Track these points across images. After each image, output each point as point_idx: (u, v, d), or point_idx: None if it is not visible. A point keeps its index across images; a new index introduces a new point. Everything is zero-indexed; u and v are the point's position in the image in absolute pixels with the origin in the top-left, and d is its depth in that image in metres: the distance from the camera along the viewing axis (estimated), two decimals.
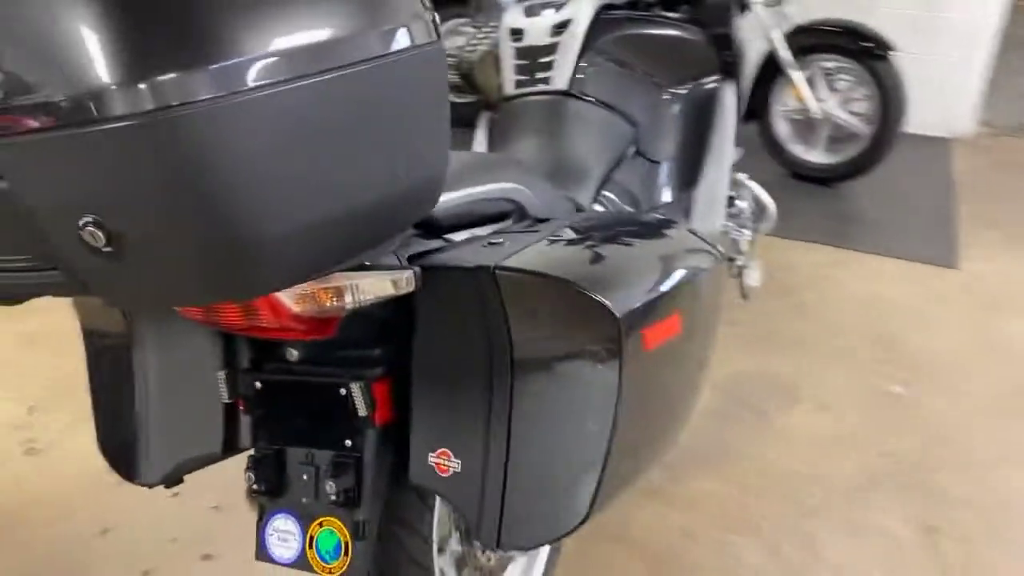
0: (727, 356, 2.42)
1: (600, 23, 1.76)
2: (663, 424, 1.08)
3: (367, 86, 0.79)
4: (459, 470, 0.99)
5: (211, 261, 0.73)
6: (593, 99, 1.73)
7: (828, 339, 2.52)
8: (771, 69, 3.41)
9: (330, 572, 1.08)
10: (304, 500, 1.08)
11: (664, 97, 1.84)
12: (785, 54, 3.30)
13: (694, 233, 1.18)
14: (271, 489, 1.10)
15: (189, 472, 1.21)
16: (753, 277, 2.08)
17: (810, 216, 3.29)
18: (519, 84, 1.75)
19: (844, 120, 3.42)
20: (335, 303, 0.96)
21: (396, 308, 1.01)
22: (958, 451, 2.07)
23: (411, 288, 0.94)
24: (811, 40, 3.37)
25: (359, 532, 1.05)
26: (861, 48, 3.28)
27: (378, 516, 1.08)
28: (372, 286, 0.94)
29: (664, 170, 1.85)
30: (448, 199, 1.09)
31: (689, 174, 1.89)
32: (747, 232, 2.03)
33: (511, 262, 0.92)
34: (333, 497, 1.04)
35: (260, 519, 1.13)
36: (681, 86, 1.87)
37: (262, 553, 1.12)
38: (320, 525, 1.09)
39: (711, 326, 1.16)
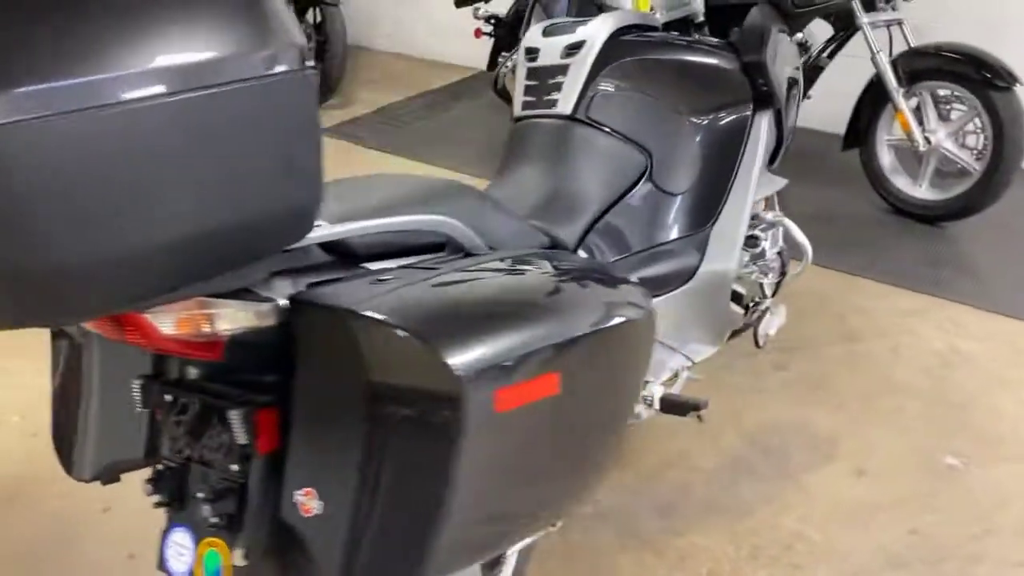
0: (764, 402, 2.26)
1: (618, 46, 1.68)
2: (537, 490, 1.00)
3: (208, 111, 0.78)
4: (320, 512, 0.96)
5: (16, 286, 0.74)
6: (601, 125, 1.65)
7: (885, 395, 2.30)
8: (877, 93, 3.16)
9: None
10: (198, 517, 1.09)
11: (683, 126, 1.73)
12: (890, 78, 3.04)
13: (624, 283, 1.10)
14: (171, 502, 1.11)
15: (122, 472, 1.25)
16: (772, 325, 1.93)
17: (902, 257, 3.02)
18: (526, 105, 1.69)
19: (954, 154, 3.11)
20: (209, 329, 0.95)
21: (287, 337, 0.99)
22: (1007, 544, 1.83)
23: (272, 321, 0.92)
24: (924, 64, 3.08)
25: (240, 557, 1.05)
26: (980, 77, 2.97)
27: (262, 544, 1.06)
28: (234, 316, 0.93)
29: (679, 203, 1.74)
30: (364, 227, 1.06)
31: (707, 209, 1.77)
32: (771, 276, 1.88)
33: (367, 305, 0.88)
34: (215, 520, 1.04)
35: (165, 530, 1.14)
36: (704, 115, 1.75)
37: (162, 564, 1.14)
38: (208, 544, 1.09)
39: (620, 384, 1.08)
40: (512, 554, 1.55)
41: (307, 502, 0.97)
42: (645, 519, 1.88)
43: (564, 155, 1.63)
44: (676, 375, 1.81)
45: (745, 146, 1.79)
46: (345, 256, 1.09)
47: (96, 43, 0.71)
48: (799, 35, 3.36)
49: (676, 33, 1.85)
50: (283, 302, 0.92)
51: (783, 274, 1.94)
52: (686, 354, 1.84)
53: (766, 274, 1.87)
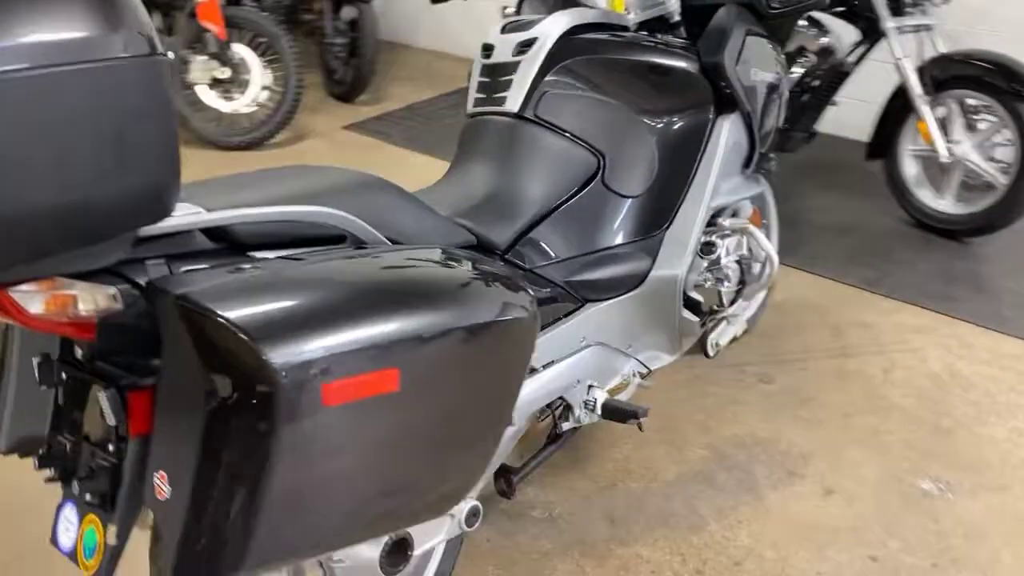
0: (740, 415, 2.20)
1: (571, 44, 1.65)
2: (385, 487, 0.99)
3: (53, 90, 0.81)
4: (168, 496, 0.97)
5: None
6: (548, 124, 1.62)
7: (869, 415, 2.21)
8: (902, 101, 3.04)
9: (87, 569, 1.11)
10: (80, 495, 1.12)
11: (639, 127, 1.70)
12: (914, 85, 2.93)
13: (507, 286, 1.08)
14: (60, 477, 1.14)
15: (36, 447, 1.29)
16: (726, 334, 1.87)
17: (916, 271, 2.90)
18: (478, 102, 1.68)
19: (980, 167, 2.97)
20: (74, 310, 0.98)
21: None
22: (974, 574, 1.74)
23: (114, 304, 0.94)
24: (952, 72, 2.95)
25: (113, 536, 1.07)
26: (1010, 88, 2.82)
27: (133, 524, 1.08)
28: (92, 297, 0.95)
29: (632, 207, 1.70)
30: (243, 215, 1.08)
31: (661, 213, 1.73)
32: (727, 284, 1.82)
33: (196, 291, 0.89)
34: (90, 498, 1.07)
35: (59, 505, 1.18)
36: (661, 117, 1.72)
37: (53, 538, 1.17)
38: (88, 522, 1.12)
39: (485, 386, 1.06)
40: (435, 552, 1.56)
41: (161, 485, 0.99)
42: (594, 526, 1.85)
43: (509, 154, 1.61)
44: (626, 382, 1.78)
45: (704, 150, 1.74)
46: (233, 245, 1.10)
47: None
48: (825, 39, 3.27)
49: (644, 33, 1.81)
50: (125, 287, 0.93)
51: (743, 283, 1.88)
52: (641, 360, 1.81)
53: (722, 282, 1.81)
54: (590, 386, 1.67)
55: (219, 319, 0.85)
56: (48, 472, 1.16)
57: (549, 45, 1.62)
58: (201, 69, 3.96)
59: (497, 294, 1.07)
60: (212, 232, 1.08)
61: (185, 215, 1.03)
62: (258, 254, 1.11)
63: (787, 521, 1.87)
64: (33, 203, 0.82)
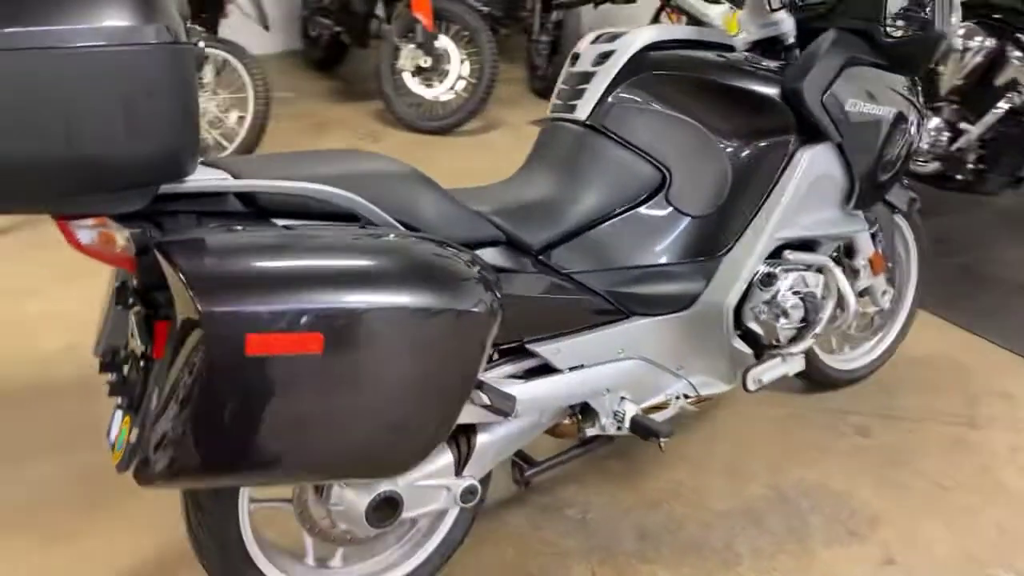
0: (819, 463, 2.08)
1: (649, 59, 1.66)
2: (293, 439, 1.11)
3: (96, 68, 1.02)
4: (151, 408, 1.16)
5: None
6: (614, 135, 1.65)
7: (972, 493, 1.99)
8: None
9: (113, 459, 1.34)
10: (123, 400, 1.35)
11: (712, 147, 1.67)
12: None
13: (468, 280, 1.16)
14: (119, 383, 1.39)
15: (114, 355, 1.55)
16: (771, 372, 1.77)
17: None
18: (555, 108, 1.74)
19: None
20: (115, 246, 1.20)
21: None
22: None
23: (126, 244, 1.14)
24: None
25: (134, 436, 1.29)
26: None
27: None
28: (117, 236, 1.16)
29: (693, 225, 1.68)
30: (255, 185, 1.24)
31: (722, 236, 1.69)
32: (784, 321, 1.72)
33: (172, 241, 1.06)
34: (125, 402, 1.29)
35: (117, 405, 1.43)
36: (736, 139, 1.67)
37: (108, 430, 1.42)
38: (124, 423, 1.35)
39: (418, 370, 1.14)
40: (446, 520, 1.67)
41: (153, 398, 1.18)
42: (623, 538, 1.86)
43: (570, 161, 1.66)
44: (668, 402, 1.76)
45: (779, 178, 1.67)
46: (259, 211, 1.27)
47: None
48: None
49: (748, 54, 1.76)
50: (135, 231, 1.13)
51: (806, 322, 1.77)
52: (693, 383, 1.78)
53: (779, 317, 1.72)
54: (622, 398, 1.69)
55: (175, 266, 1.02)
56: (111, 376, 1.40)
57: (625, 58, 1.65)
58: (408, 57, 4.31)
59: (450, 286, 1.15)
60: (245, 198, 1.26)
61: (212, 179, 1.21)
62: (280, 222, 1.28)
63: (808, 563, 1.76)
64: (77, 150, 1.02)
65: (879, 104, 1.75)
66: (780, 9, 1.77)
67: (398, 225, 1.33)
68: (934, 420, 2.25)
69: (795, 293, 1.74)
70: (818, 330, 1.77)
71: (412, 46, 4.28)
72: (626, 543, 1.85)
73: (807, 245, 1.82)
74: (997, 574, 1.76)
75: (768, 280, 1.71)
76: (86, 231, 1.19)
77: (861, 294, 2.19)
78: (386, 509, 1.47)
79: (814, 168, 1.70)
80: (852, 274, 2.14)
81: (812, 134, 1.69)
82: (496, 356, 1.57)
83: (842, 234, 1.86)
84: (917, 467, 2.08)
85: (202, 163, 1.23)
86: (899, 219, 2.27)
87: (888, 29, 1.72)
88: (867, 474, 2.05)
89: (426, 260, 1.19)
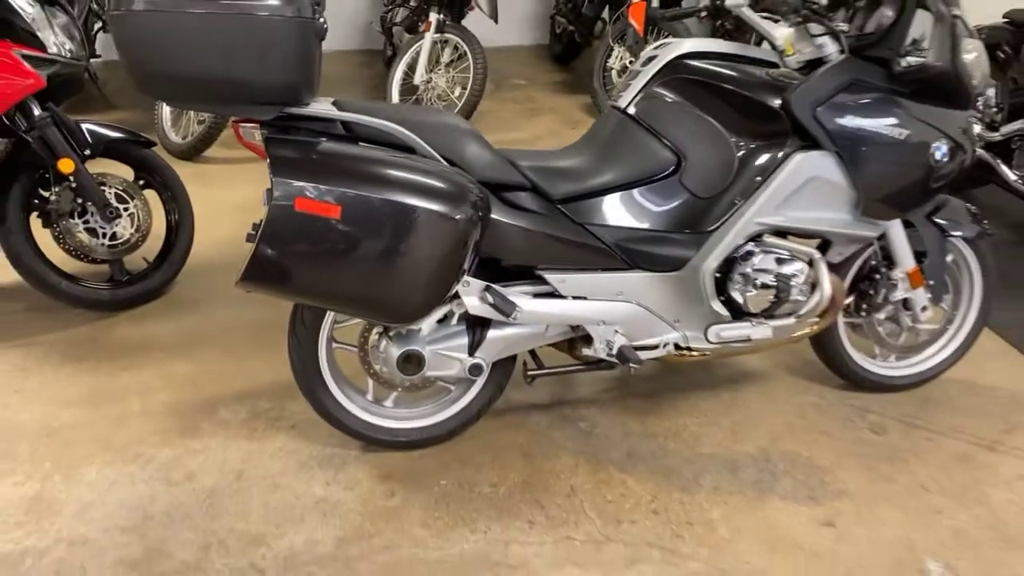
0: (818, 443, 2.33)
1: (683, 65, 2.04)
2: (326, 274, 1.71)
3: (248, 26, 1.69)
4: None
5: (164, 83, 1.76)
6: (643, 122, 2.07)
7: (950, 500, 2.14)
8: None
9: None
10: None
11: (722, 142, 2.02)
12: None
13: (455, 204, 1.70)
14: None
15: None
16: (733, 330, 2.10)
17: None
18: (613, 99, 2.19)
19: None
20: (254, 140, 1.89)
21: None
22: None
23: (260, 140, 1.81)
24: None
25: None
26: None
27: None
28: (252, 133, 1.84)
29: (696, 204, 2.06)
30: (351, 118, 1.85)
31: (717, 215, 2.04)
32: (752, 292, 2.05)
33: (274, 136, 1.72)
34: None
35: None
36: (742, 138, 2.02)
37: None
38: None
39: (407, 248, 1.68)
40: (472, 390, 2.22)
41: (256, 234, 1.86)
42: (613, 452, 2.28)
43: (607, 139, 2.11)
44: (657, 346, 2.16)
45: (771, 178, 1.99)
46: (353, 136, 1.90)
47: None
48: None
49: (775, 71, 2.07)
50: (264, 132, 1.79)
51: (778, 299, 2.06)
52: (685, 335, 2.16)
53: (749, 288, 2.05)
54: (616, 331, 2.12)
55: (270, 150, 1.67)
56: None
57: (663, 63, 2.06)
58: (618, 57, 4.82)
59: (438, 197, 1.68)
60: (346, 125, 1.89)
61: (321, 109, 1.85)
62: (364, 144, 1.89)
63: (767, 523, 2.05)
64: (236, 74, 1.68)
65: (889, 126, 1.99)
66: (823, 35, 2.06)
67: (439, 158, 1.89)
68: (955, 437, 2.37)
69: (768, 271, 2.05)
70: (793, 309, 2.07)
71: (623, 48, 4.78)
72: (614, 454, 2.28)
73: (826, 243, 2.14)
74: (927, 564, 1.94)
75: (747, 256, 2.04)
76: (245, 129, 1.88)
77: (905, 306, 2.38)
78: (412, 363, 2.06)
79: (804, 170, 1.99)
80: (890, 284, 2.35)
81: (806, 140, 1.99)
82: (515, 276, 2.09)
83: (849, 235, 2.11)
84: (910, 467, 2.25)
85: (333, 102, 1.86)
86: (961, 244, 2.40)
87: (902, 60, 1.96)
88: (857, 461, 2.26)
89: (428, 177, 1.74)
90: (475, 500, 2.12)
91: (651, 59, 2.12)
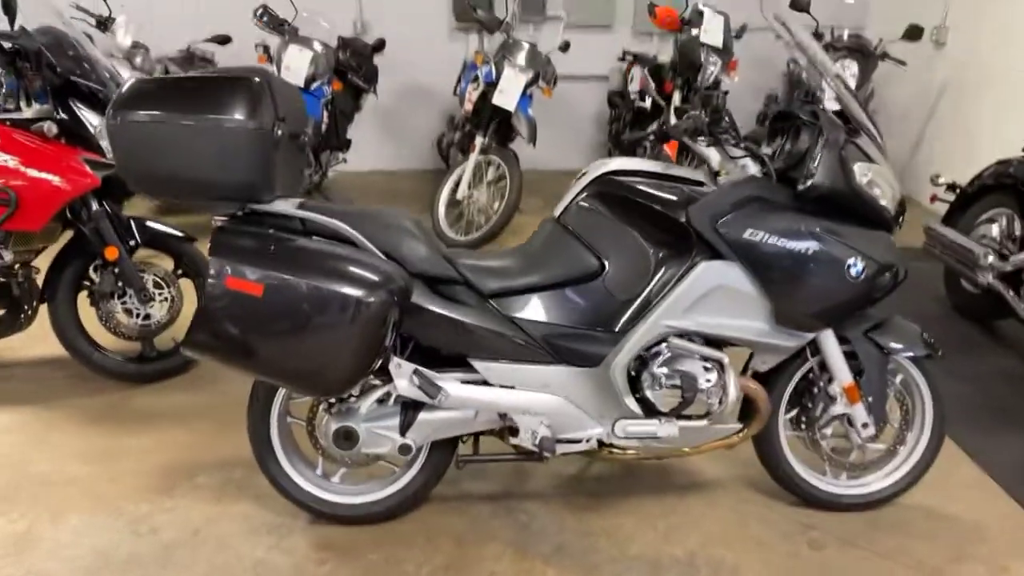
0: (746, 551, 2.33)
1: (609, 181, 2.22)
2: (255, 347, 1.94)
3: (207, 133, 2.04)
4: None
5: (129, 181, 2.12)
6: (571, 230, 2.26)
7: None
8: None
9: None
10: None
11: (640, 250, 2.18)
12: None
13: (369, 288, 1.91)
14: None
15: None
16: (639, 427, 2.20)
17: None
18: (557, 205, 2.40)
19: None
20: None
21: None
22: None
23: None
24: None
25: None
26: None
27: None
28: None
29: (617, 305, 2.20)
30: (302, 215, 2.14)
31: (634, 317, 2.18)
32: (654, 391, 2.17)
33: (221, 228, 2.01)
34: None
35: None
36: (655, 247, 2.18)
37: None
38: None
39: (321, 330, 1.89)
40: (406, 477, 2.38)
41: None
42: (542, 545, 2.36)
43: (541, 243, 2.30)
44: (582, 440, 2.27)
45: (678, 283, 2.13)
46: (307, 231, 2.18)
47: None
48: None
49: (691, 187, 2.22)
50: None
51: (684, 400, 2.15)
52: (610, 431, 2.27)
53: (655, 387, 2.15)
54: (541, 423, 2.25)
55: (214, 236, 1.97)
56: None
57: (591, 177, 2.26)
58: None
59: (354, 283, 1.91)
60: (304, 223, 2.18)
61: (283, 207, 2.14)
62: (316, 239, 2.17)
63: None
64: (204, 175, 2.00)
65: (792, 240, 2.10)
66: (743, 157, 2.23)
67: (375, 251, 2.14)
68: (895, 560, 2.31)
69: (675, 371, 2.15)
70: (704, 411, 2.16)
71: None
72: (544, 547, 2.36)
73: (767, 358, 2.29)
74: None
75: (655, 356, 2.16)
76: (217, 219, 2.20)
77: (847, 421, 2.40)
78: (347, 438, 2.25)
79: (710, 278, 2.12)
80: (828, 398, 2.38)
81: (709, 250, 2.13)
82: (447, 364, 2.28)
83: (770, 344, 2.20)
84: None
85: (299, 204, 2.16)
86: (909, 365, 2.41)
87: (805, 181, 2.09)
88: (782, 573, 2.25)
89: (346, 264, 1.97)
90: (395, 575, 2.24)
91: (584, 174, 2.34)
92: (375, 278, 1.98)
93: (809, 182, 2.09)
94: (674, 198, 2.18)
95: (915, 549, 2.36)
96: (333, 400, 2.30)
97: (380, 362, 2.10)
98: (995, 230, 3.79)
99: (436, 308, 2.18)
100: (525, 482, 2.66)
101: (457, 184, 5.03)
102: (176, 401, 3.15)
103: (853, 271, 2.15)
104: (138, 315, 3.27)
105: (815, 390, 2.40)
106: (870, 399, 2.35)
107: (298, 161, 2.28)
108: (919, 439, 2.48)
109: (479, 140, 4.95)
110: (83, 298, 3.24)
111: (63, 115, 3.08)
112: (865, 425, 2.38)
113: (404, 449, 2.27)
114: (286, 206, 2.13)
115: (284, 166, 2.16)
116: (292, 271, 1.95)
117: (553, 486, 2.64)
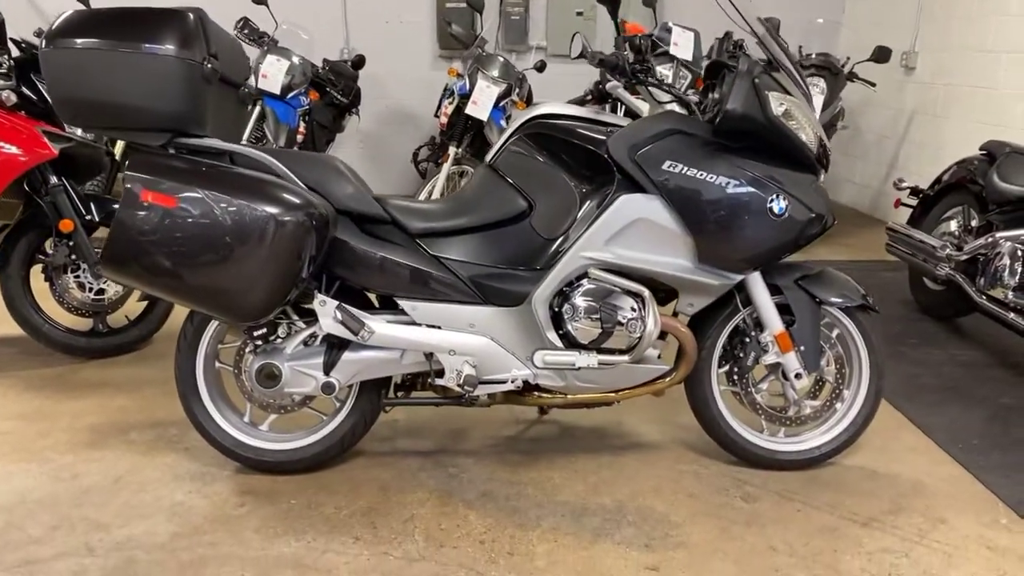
0: (678, 500, 2.28)
1: (537, 124, 2.24)
2: (155, 260, 1.95)
3: (138, 61, 2.07)
4: None
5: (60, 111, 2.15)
6: (501, 174, 2.27)
7: (799, 556, 2.03)
8: None
9: None
10: None
11: (566, 189, 2.19)
12: None
13: (293, 211, 1.93)
14: None
15: None
16: (557, 358, 2.17)
17: None
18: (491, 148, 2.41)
19: None
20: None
21: None
22: None
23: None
24: None
25: None
26: None
27: None
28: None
29: (543, 244, 2.20)
30: (230, 147, 2.16)
31: (557, 254, 2.17)
32: (577, 325, 2.15)
33: (143, 153, 2.03)
34: None
35: None
36: (579, 184, 2.18)
37: None
38: None
39: (230, 242, 1.90)
40: (331, 424, 2.34)
41: None
42: (468, 492, 2.31)
43: (472, 187, 2.32)
44: (506, 380, 2.24)
45: (597, 218, 2.13)
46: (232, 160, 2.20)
47: None
48: None
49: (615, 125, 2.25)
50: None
51: (604, 332, 2.13)
52: (535, 373, 2.24)
53: (574, 319, 2.13)
54: (466, 362, 2.22)
55: (130, 158, 1.99)
56: None
57: (520, 122, 2.27)
58: None
59: (270, 201, 1.93)
60: (234, 158, 2.20)
61: (206, 142, 2.16)
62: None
63: (589, 562, 2.01)
64: (132, 100, 2.03)
65: (710, 174, 2.11)
66: (669, 103, 2.26)
67: (300, 183, 2.15)
68: (829, 512, 2.25)
69: (594, 303, 2.13)
70: (625, 346, 2.14)
71: None
72: (469, 494, 2.30)
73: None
74: None
75: (575, 289, 2.15)
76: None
77: (782, 374, 2.37)
78: (270, 377, 2.23)
79: (629, 211, 2.12)
80: (759, 348, 2.36)
81: (629, 183, 2.13)
82: (378, 304, 2.27)
83: (693, 282, 2.19)
84: (766, 531, 2.15)
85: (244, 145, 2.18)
86: (844, 318, 2.39)
87: (719, 112, 2.12)
88: (712, 522, 2.19)
89: (265, 186, 1.99)
90: (314, 517, 2.19)
91: (514, 122, 2.36)
92: (294, 200, 2.00)
93: (721, 110, 2.11)
94: (598, 136, 2.19)
95: (849, 503, 2.29)
96: (260, 341, 2.29)
97: (296, 292, 2.10)
98: (953, 225, 3.79)
99: (362, 245, 2.19)
100: (460, 441, 2.61)
101: (431, 194, 5.08)
102: (123, 373, 3.13)
103: (776, 208, 2.15)
104: (91, 290, 3.27)
105: (747, 340, 2.38)
106: (802, 348, 2.33)
107: (236, 111, 2.31)
108: (856, 395, 2.44)
109: (452, 150, 5.01)
110: (37, 273, 3.26)
111: (26, 90, 3.15)
112: (798, 375, 2.34)
113: (327, 388, 2.24)
114: (217, 142, 2.16)
115: (217, 109, 2.20)
116: (208, 186, 1.97)
117: (488, 444, 2.59)
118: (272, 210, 1.96)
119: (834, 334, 2.44)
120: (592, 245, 2.15)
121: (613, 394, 2.31)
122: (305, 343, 2.28)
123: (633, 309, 2.17)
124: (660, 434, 2.67)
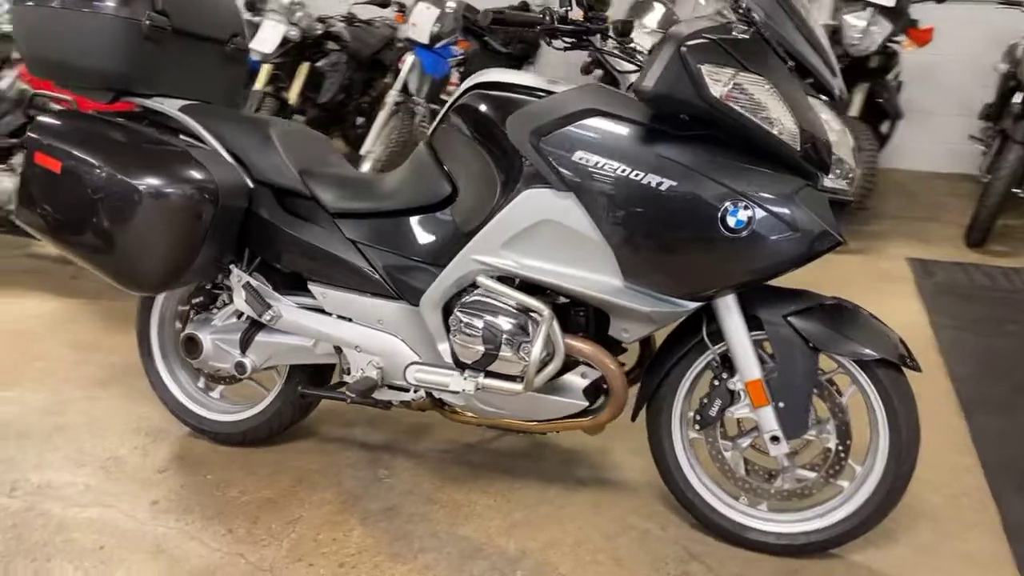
0: (600, 567, 1.86)
1: (476, 96, 1.85)
2: (53, 220, 1.92)
3: (78, 19, 2.05)
4: None
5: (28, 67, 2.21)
6: (434, 152, 1.94)
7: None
8: None
9: None
10: None
11: (488, 175, 1.80)
12: None
13: (189, 183, 1.82)
14: None
15: None
16: (427, 376, 1.88)
17: None
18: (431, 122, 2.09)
19: None
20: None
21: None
22: None
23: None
24: None
25: None
26: None
27: None
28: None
29: (457, 240, 1.86)
30: (161, 107, 2.09)
31: (452, 252, 1.83)
32: (463, 335, 1.78)
33: (57, 109, 2.01)
34: None
35: None
36: (502, 171, 1.78)
37: None
38: None
39: (120, 219, 1.84)
40: (263, 403, 2.25)
41: None
42: (374, 502, 2.09)
43: (408, 165, 2.01)
44: (410, 389, 1.98)
45: (499, 211, 1.73)
46: (172, 129, 2.12)
47: None
48: None
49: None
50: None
51: (487, 354, 1.75)
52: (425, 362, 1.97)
53: (456, 333, 1.77)
54: (370, 362, 1.99)
55: (35, 121, 1.99)
56: None
57: (458, 93, 1.90)
58: None
59: (159, 173, 1.82)
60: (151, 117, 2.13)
61: (146, 101, 2.10)
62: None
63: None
64: (80, 63, 2.04)
65: (638, 169, 1.61)
66: (634, 72, 1.78)
67: (222, 151, 2.02)
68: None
69: (480, 318, 1.75)
70: (519, 373, 1.78)
71: None
72: (374, 505, 2.09)
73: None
74: None
75: (462, 296, 1.78)
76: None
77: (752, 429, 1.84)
78: (192, 346, 2.17)
79: (534, 210, 1.69)
80: (729, 396, 1.83)
81: (532, 175, 1.70)
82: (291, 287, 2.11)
83: (621, 307, 1.73)
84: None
85: (181, 108, 2.11)
86: (852, 367, 1.77)
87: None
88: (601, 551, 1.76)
89: (158, 156, 1.88)
90: (213, 497, 2.12)
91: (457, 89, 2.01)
92: (182, 172, 1.88)
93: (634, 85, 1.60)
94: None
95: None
96: (198, 309, 2.25)
97: (214, 264, 2.03)
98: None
99: (273, 220, 2.04)
100: (416, 439, 2.38)
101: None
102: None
103: (732, 221, 1.61)
104: None
105: (716, 382, 1.85)
106: (780, 404, 1.76)
107: (221, 67, 2.23)
108: (868, 475, 1.81)
109: (390, 91, 4.75)
110: None
111: None
112: (775, 439, 1.79)
113: (239, 367, 2.13)
114: (162, 105, 2.09)
115: (184, 67, 2.13)
116: (95, 154, 1.91)
117: (441, 449, 2.33)
118: (155, 183, 1.86)
119: (847, 393, 1.82)
120: (485, 247, 1.78)
121: (535, 423, 1.94)
122: (238, 319, 2.19)
123: (523, 330, 1.76)
124: (641, 472, 2.22)
